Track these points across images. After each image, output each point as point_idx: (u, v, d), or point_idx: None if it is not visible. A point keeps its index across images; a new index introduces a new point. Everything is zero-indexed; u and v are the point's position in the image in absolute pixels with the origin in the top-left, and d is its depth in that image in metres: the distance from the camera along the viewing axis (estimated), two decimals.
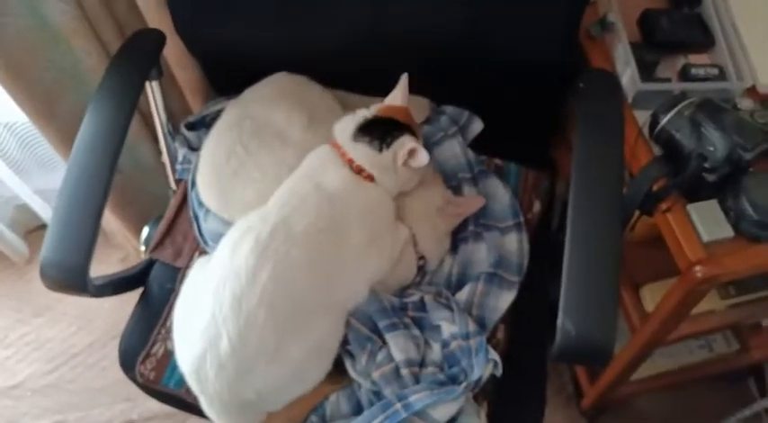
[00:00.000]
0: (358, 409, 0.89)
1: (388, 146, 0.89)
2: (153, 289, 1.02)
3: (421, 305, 0.93)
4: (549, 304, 0.80)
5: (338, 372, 0.90)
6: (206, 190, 1.01)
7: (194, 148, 1.09)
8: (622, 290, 1.09)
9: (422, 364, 0.90)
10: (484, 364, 0.86)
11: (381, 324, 0.89)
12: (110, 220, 1.41)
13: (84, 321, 1.56)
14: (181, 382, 0.90)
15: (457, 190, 1.02)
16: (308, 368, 0.86)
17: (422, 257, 0.96)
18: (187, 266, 1.00)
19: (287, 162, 0.96)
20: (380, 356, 0.89)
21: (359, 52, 1.03)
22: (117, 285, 0.99)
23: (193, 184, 1.04)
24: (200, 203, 1.02)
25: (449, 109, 1.10)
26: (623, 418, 1.39)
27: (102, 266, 1.59)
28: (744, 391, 1.41)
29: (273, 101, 1.02)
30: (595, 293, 0.77)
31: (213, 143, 1.01)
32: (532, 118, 1.09)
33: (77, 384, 1.49)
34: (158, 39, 0.98)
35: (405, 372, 0.87)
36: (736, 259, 0.86)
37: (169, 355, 0.95)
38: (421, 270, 0.97)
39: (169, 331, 0.94)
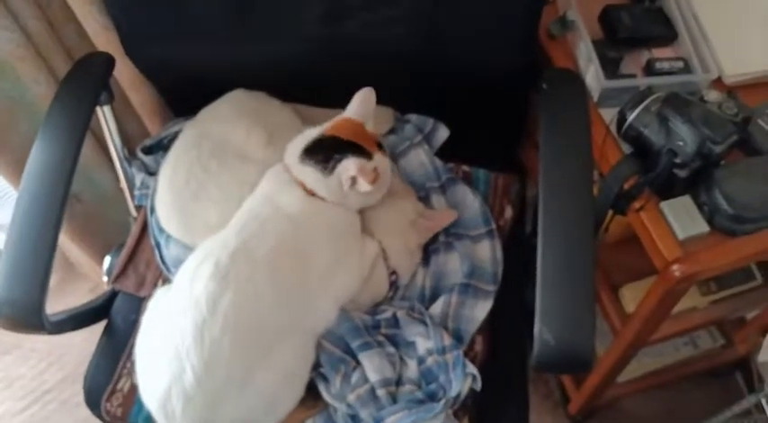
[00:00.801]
0: None
1: (331, 171, 0.85)
2: (117, 321, 0.98)
3: (394, 321, 0.90)
4: (526, 311, 0.78)
5: (312, 396, 0.86)
6: (166, 215, 0.97)
7: (152, 173, 1.05)
8: (601, 292, 1.07)
9: (398, 382, 0.87)
10: (462, 379, 0.84)
11: (354, 344, 0.86)
12: (75, 251, 1.37)
13: (54, 357, 1.51)
14: (149, 417, 0.86)
15: (425, 200, 0.99)
16: (279, 396, 0.83)
17: (393, 272, 0.93)
18: (151, 296, 0.96)
19: (248, 181, 0.93)
20: (355, 378, 0.85)
21: (317, 65, 1.01)
22: (77, 320, 0.96)
23: (153, 209, 1.00)
24: (161, 229, 0.99)
25: (413, 117, 1.07)
26: (612, 421, 1.36)
27: (69, 299, 1.56)
28: (732, 386, 1.39)
29: (231, 119, 0.99)
30: (571, 299, 0.74)
31: (171, 166, 0.98)
32: (499, 122, 1.07)
33: (51, 422, 1.44)
34: (107, 62, 0.95)
35: (381, 392, 0.84)
36: (713, 255, 0.84)
37: (136, 389, 0.90)
38: (393, 285, 0.94)
39: (135, 365, 0.90)
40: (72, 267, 1.56)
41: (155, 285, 0.99)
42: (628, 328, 0.98)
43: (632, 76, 0.97)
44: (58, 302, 1.54)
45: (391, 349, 0.88)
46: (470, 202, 0.99)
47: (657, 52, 0.99)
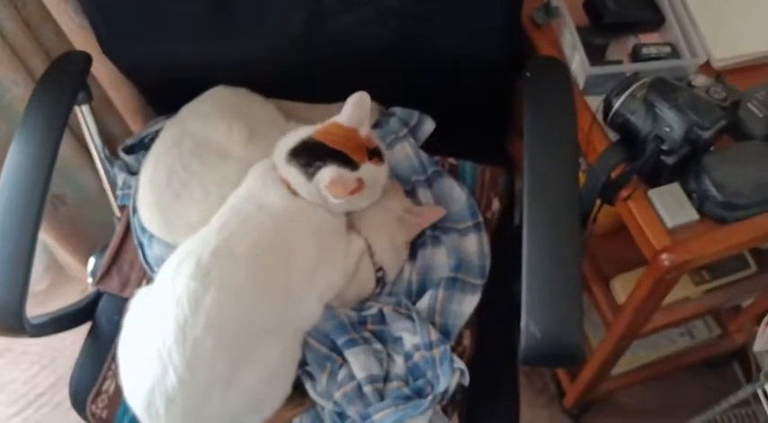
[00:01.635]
0: None
1: (311, 177, 0.83)
2: (101, 322, 0.97)
3: (380, 317, 0.89)
4: (515, 304, 0.76)
5: (299, 394, 0.85)
6: (148, 214, 0.96)
7: (134, 172, 1.04)
8: (592, 283, 1.05)
9: (386, 378, 0.85)
10: (450, 375, 0.82)
11: (340, 341, 0.85)
12: (62, 253, 1.36)
13: (46, 360, 1.50)
14: (134, 419, 0.85)
15: (411, 193, 0.98)
16: (265, 394, 0.82)
17: (380, 269, 0.92)
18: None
19: (229, 179, 0.91)
20: (341, 375, 0.84)
21: (299, 61, 0.99)
22: (60, 322, 0.94)
23: (135, 209, 0.99)
24: (144, 229, 0.98)
25: (398, 111, 1.05)
26: (608, 414, 1.35)
27: (59, 302, 1.54)
28: (729, 376, 1.38)
29: (212, 116, 0.98)
30: (557, 292, 0.73)
31: (152, 165, 0.96)
32: (484, 113, 1.06)
33: None
34: (84, 61, 0.93)
35: (368, 389, 0.83)
36: (703, 243, 0.83)
37: (121, 391, 0.89)
38: (380, 281, 0.93)
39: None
40: (63, 270, 1.55)
41: (139, 286, 0.98)
42: (619, 319, 0.96)
43: (618, 62, 0.95)
44: (51, 305, 1.53)
45: (378, 346, 0.87)
46: (457, 195, 0.98)
47: (644, 38, 0.97)
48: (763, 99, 0.88)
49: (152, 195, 0.95)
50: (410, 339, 0.86)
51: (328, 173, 0.82)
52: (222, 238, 0.81)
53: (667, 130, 0.83)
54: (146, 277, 0.98)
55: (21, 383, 1.48)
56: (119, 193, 1.05)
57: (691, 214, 0.83)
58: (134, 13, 0.92)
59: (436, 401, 0.81)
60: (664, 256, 0.81)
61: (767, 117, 0.87)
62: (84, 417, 0.92)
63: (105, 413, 0.90)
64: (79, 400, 0.92)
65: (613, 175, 0.87)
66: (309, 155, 0.84)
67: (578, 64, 0.92)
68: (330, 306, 0.87)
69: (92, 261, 1.05)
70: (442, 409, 0.83)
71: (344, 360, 0.85)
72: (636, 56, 0.95)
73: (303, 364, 0.85)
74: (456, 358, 0.84)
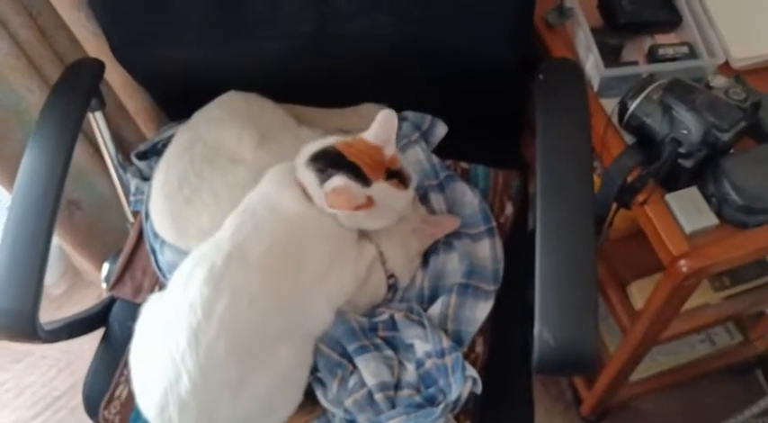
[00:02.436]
0: None
1: (322, 183, 0.82)
2: (114, 328, 0.98)
3: (392, 324, 0.88)
4: (529, 310, 0.75)
5: (310, 401, 0.85)
6: (160, 220, 0.96)
7: (147, 178, 1.04)
8: (608, 289, 1.03)
9: (397, 386, 0.84)
10: (462, 383, 0.81)
11: (350, 347, 0.84)
12: (78, 258, 1.37)
13: (64, 363, 1.51)
14: None
15: (423, 199, 0.97)
16: (276, 400, 0.81)
17: (392, 276, 0.91)
18: None
19: (240, 184, 0.91)
20: (352, 382, 0.83)
21: (310, 65, 0.99)
22: (74, 328, 0.95)
23: (147, 215, 0.99)
24: (156, 235, 0.98)
25: (410, 114, 1.04)
26: (626, 422, 1.32)
27: (77, 306, 1.56)
28: (752, 384, 1.34)
29: (223, 122, 0.98)
30: (572, 298, 0.72)
31: (164, 171, 0.96)
32: (497, 115, 1.04)
33: None
34: (96, 68, 0.94)
35: (379, 396, 0.82)
36: (722, 249, 0.80)
37: (133, 397, 0.90)
38: (392, 288, 0.92)
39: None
40: (80, 275, 1.57)
41: (152, 292, 0.98)
42: (636, 326, 0.94)
43: (634, 63, 0.93)
44: (67, 310, 1.56)
45: (389, 352, 0.86)
46: (470, 199, 0.96)
47: (660, 38, 0.95)
48: None
49: (164, 201, 0.95)
50: (422, 346, 0.85)
51: (335, 181, 0.81)
52: (235, 244, 0.81)
53: (685, 132, 0.81)
54: (158, 283, 0.98)
55: (39, 387, 1.50)
56: (132, 198, 1.06)
57: (709, 219, 0.81)
58: (146, 20, 0.93)
59: (448, 410, 0.80)
60: (682, 262, 0.79)
61: None
62: (96, 422, 0.92)
63: (118, 419, 0.90)
64: (92, 405, 0.92)
65: (629, 178, 0.85)
66: (326, 161, 0.83)
67: (592, 65, 0.91)
68: (341, 312, 0.87)
69: (106, 266, 1.06)
70: (454, 418, 0.82)
71: (355, 367, 0.84)
72: (652, 57, 0.92)
73: (314, 370, 0.84)
74: (468, 366, 0.83)
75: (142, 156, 1.07)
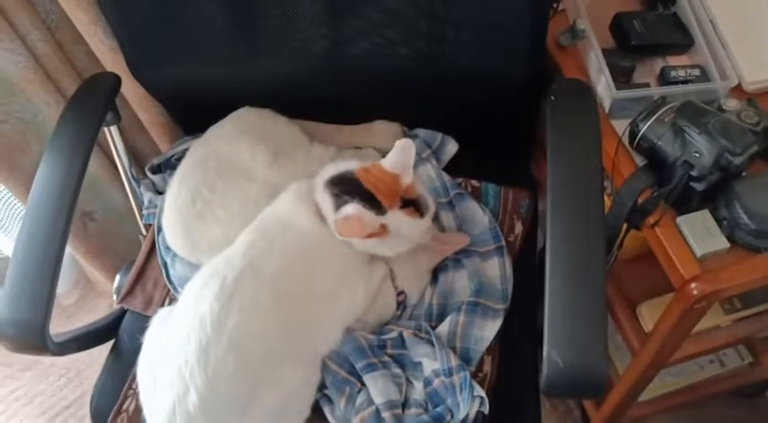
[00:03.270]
0: None
1: (336, 209, 0.83)
2: (124, 341, 0.98)
3: (400, 341, 0.88)
4: (538, 330, 0.75)
5: (318, 418, 0.85)
6: (172, 233, 0.97)
7: (161, 192, 1.05)
8: (618, 309, 1.03)
9: (405, 404, 0.84)
10: (469, 402, 0.81)
11: (359, 365, 0.85)
12: (91, 269, 1.38)
13: (73, 373, 1.52)
14: None
15: (433, 216, 0.97)
16: (284, 417, 0.81)
17: (401, 293, 0.91)
18: None
19: (252, 199, 0.92)
20: (360, 400, 0.84)
21: (324, 82, 1.00)
22: (83, 340, 0.95)
23: (160, 228, 1.00)
24: (168, 248, 0.99)
25: (421, 132, 1.05)
26: None
27: (90, 316, 1.57)
28: (761, 407, 1.33)
29: (237, 137, 0.99)
30: (581, 321, 0.71)
31: (177, 185, 0.97)
32: (508, 135, 1.05)
33: None
34: (112, 83, 0.95)
35: (386, 415, 0.82)
36: (734, 273, 0.80)
37: (141, 411, 0.90)
38: (400, 305, 0.92)
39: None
40: (92, 284, 1.58)
41: (162, 305, 0.99)
42: (646, 348, 0.94)
43: (646, 85, 0.93)
44: (79, 320, 1.57)
45: (397, 370, 0.86)
46: (479, 217, 0.97)
47: (672, 60, 0.95)
48: None
49: (176, 215, 0.96)
50: (430, 365, 0.85)
51: (348, 209, 0.82)
52: (247, 261, 0.81)
53: (697, 155, 0.81)
54: (169, 296, 0.99)
55: (48, 396, 1.50)
56: (144, 211, 1.07)
57: (721, 242, 0.81)
58: (162, 36, 0.94)
59: None
60: (693, 285, 0.79)
61: None
62: None
63: None
64: (99, 419, 0.93)
65: (640, 200, 0.85)
66: (343, 187, 0.84)
67: (604, 87, 0.91)
68: (350, 329, 0.87)
69: (117, 278, 1.06)
70: None
71: (363, 384, 0.84)
72: (664, 79, 0.93)
73: (322, 387, 0.84)
74: (476, 385, 0.83)
75: (156, 169, 1.09)
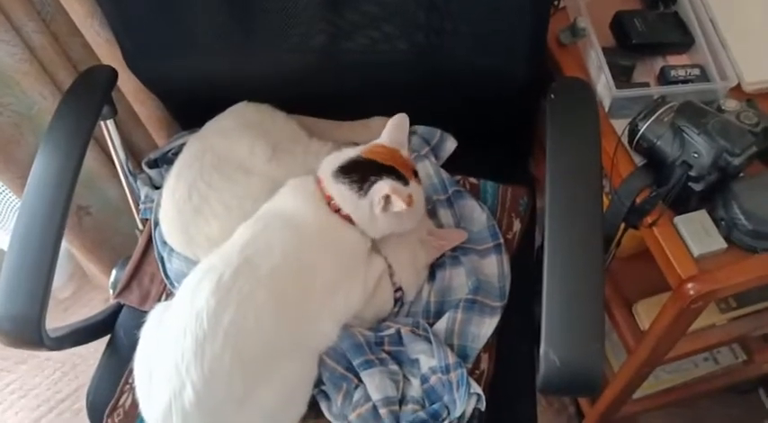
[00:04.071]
0: None
1: (366, 193, 0.83)
2: (120, 336, 0.98)
3: (398, 338, 0.88)
4: (535, 328, 0.75)
5: (314, 414, 0.85)
6: (168, 228, 0.97)
7: (157, 186, 1.05)
8: (614, 307, 1.03)
9: (402, 401, 0.84)
10: (466, 399, 0.81)
11: (356, 361, 0.84)
12: (87, 263, 1.37)
13: (69, 366, 1.52)
14: None
15: (431, 213, 0.97)
16: (280, 413, 0.82)
17: (399, 289, 0.91)
18: None
19: (250, 195, 0.92)
20: (357, 396, 0.84)
21: (322, 77, 0.99)
22: (79, 335, 0.95)
23: (156, 223, 1.00)
24: (164, 243, 0.98)
25: (420, 129, 1.05)
26: None
27: (85, 310, 1.57)
28: (755, 403, 1.34)
29: (235, 132, 0.98)
30: (578, 320, 0.71)
31: (174, 180, 0.97)
32: (507, 132, 1.04)
33: None
34: (109, 76, 0.94)
35: (383, 411, 0.82)
36: (730, 273, 0.80)
37: (137, 406, 0.89)
38: (398, 301, 0.92)
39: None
40: (88, 278, 1.57)
41: (159, 299, 0.98)
42: (641, 346, 0.94)
43: (645, 84, 0.93)
44: (75, 313, 1.56)
45: (394, 367, 0.86)
46: (477, 215, 0.97)
47: (672, 59, 0.95)
48: None
49: (173, 209, 0.96)
50: (427, 362, 0.85)
51: (386, 184, 0.83)
52: (245, 257, 0.81)
53: (695, 155, 0.81)
54: (166, 291, 0.99)
55: (43, 389, 1.50)
56: (141, 206, 1.06)
57: (718, 243, 0.81)
58: (158, 31, 0.93)
59: None
60: (689, 285, 0.79)
61: None
62: None
63: None
64: (96, 413, 0.92)
65: (638, 200, 0.85)
66: (363, 171, 0.84)
67: (604, 86, 0.91)
68: (347, 325, 0.87)
69: (113, 273, 1.06)
70: None
71: (360, 381, 0.84)
72: (664, 78, 0.93)
73: (319, 383, 0.84)
74: (473, 383, 0.83)
75: (153, 164, 1.08)
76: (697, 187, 0.81)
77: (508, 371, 0.90)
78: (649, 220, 0.84)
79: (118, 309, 1.00)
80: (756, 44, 0.94)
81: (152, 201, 1.03)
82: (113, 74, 0.95)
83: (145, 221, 1.07)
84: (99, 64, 1.02)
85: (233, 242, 0.85)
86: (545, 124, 0.84)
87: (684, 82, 0.92)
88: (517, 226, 0.99)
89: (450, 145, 1.04)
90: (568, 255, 0.75)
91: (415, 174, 0.88)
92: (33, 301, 0.80)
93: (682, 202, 0.83)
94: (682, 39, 0.95)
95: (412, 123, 1.06)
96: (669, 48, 0.96)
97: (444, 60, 0.93)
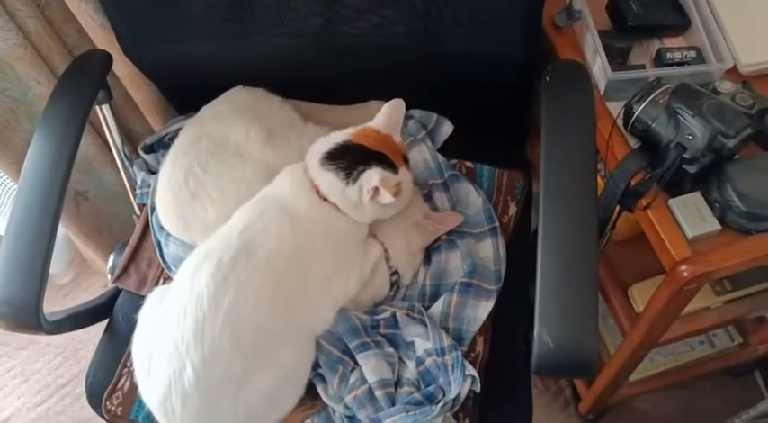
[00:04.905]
0: None
1: (354, 180, 0.82)
2: (118, 320, 0.98)
3: (393, 321, 0.89)
4: (530, 310, 0.75)
5: (311, 396, 0.86)
6: (165, 213, 0.97)
7: (154, 171, 1.05)
8: (609, 291, 1.04)
9: (397, 383, 0.85)
10: (461, 381, 0.82)
11: (352, 344, 0.85)
12: (85, 249, 1.38)
13: (69, 351, 1.53)
14: (149, 415, 0.87)
15: (428, 197, 0.97)
16: (278, 395, 0.82)
17: (395, 272, 0.92)
18: None
19: (246, 180, 0.92)
20: (353, 378, 0.84)
21: (318, 62, 0.99)
22: (78, 319, 0.96)
23: (153, 208, 1.00)
24: (161, 228, 0.99)
25: (416, 113, 1.05)
26: (625, 420, 1.33)
27: (85, 295, 1.58)
28: (750, 386, 1.35)
29: (231, 117, 0.98)
30: (572, 301, 0.72)
31: (170, 165, 0.97)
32: (503, 116, 1.04)
33: (66, 416, 1.46)
34: (103, 61, 0.94)
35: (379, 393, 0.83)
36: (724, 255, 0.81)
37: (136, 388, 0.91)
38: (394, 285, 0.92)
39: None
40: (87, 263, 1.58)
41: (156, 284, 0.99)
42: (636, 329, 0.95)
43: (641, 67, 0.93)
44: (75, 299, 1.57)
45: (390, 350, 0.87)
46: (473, 199, 0.97)
47: (668, 42, 0.95)
48: None
49: (169, 194, 0.96)
50: (422, 344, 0.86)
51: (376, 173, 0.82)
52: (243, 241, 0.81)
53: (690, 137, 0.81)
54: (163, 276, 0.99)
55: (44, 374, 1.51)
56: (138, 191, 1.07)
57: (712, 225, 0.81)
58: (153, 13, 0.92)
59: (447, 408, 0.81)
60: (683, 267, 0.79)
61: None
62: (99, 413, 0.93)
63: (120, 410, 0.91)
64: (95, 396, 0.93)
65: (633, 182, 0.85)
66: (351, 158, 0.83)
67: (599, 68, 0.90)
68: (344, 309, 0.87)
69: (111, 258, 1.07)
70: (453, 416, 0.83)
71: (356, 363, 0.85)
72: (659, 60, 0.92)
73: (316, 366, 0.85)
74: (468, 365, 0.83)
75: (149, 149, 1.08)
76: (691, 169, 0.81)
77: (503, 353, 0.91)
78: (644, 202, 0.84)
79: (116, 293, 1.01)
80: (753, 26, 0.93)
81: (149, 186, 1.04)
82: (108, 59, 0.95)
83: (142, 206, 1.07)
84: (94, 49, 1.02)
85: (231, 226, 0.85)
86: (540, 107, 0.84)
87: (680, 64, 0.91)
88: (513, 210, 0.99)
89: (447, 129, 1.04)
90: (563, 237, 0.75)
91: (405, 160, 0.87)
92: (31, 284, 0.80)
93: (676, 185, 0.83)
94: (678, 21, 0.94)
95: (408, 107, 1.06)
96: (665, 30, 0.95)
97: (440, 44, 0.93)
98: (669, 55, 0.92)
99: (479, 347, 0.89)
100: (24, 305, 0.80)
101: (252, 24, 0.93)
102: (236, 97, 1.02)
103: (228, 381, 0.77)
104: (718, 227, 0.81)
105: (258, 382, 0.78)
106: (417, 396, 0.82)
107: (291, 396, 0.83)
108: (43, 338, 1.54)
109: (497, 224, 0.95)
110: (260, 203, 0.87)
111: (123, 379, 0.93)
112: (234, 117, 0.98)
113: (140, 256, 1.02)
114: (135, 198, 1.08)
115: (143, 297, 0.97)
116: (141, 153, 1.07)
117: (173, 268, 0.97)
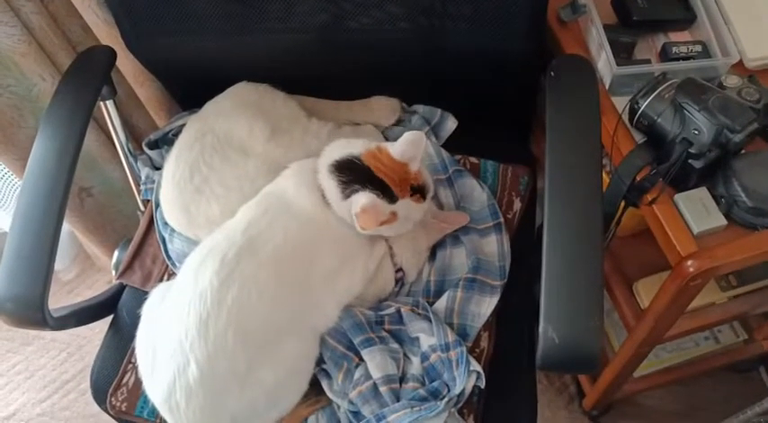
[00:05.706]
0: None
1: (346, 197, 0.83)
2: (123, 316, 0.99)
3: (398, 317, 0.89)
4: (535, 306, 0.75)
5: (316, 392, 0.86)
6: (169, 209, 0.97)
7: (158, 167, 1.05)
8: (614, 286, 1.03)
9: (402, 379, 0.85)
10: (466, 377, 0.82)
11: (356, 340, 0.85)
12: (90, 245, 1.38)
13: (74, 347, 1.53)
14: (154, 411, 0.87)
15: (432, 193, 0.97)
16: (282, 391, 0.83)
17: (400, 270, 0.92)
18: None
19: (250, 175, 0.92)
20: (357, 374, 0.85)
21: (322, 57, 0.99)
22: (82, 315, 0.96)
23: (158, 204, 1.00)
24: (166, 224, 0.99)
25: (421, 108, 1.05)
26: (629, 417, 1.33)
27: (89, 291, 1.59)
28: (755, 382, 1.34)
29: (235, 113, 0.98)
30: (578, 297, 0.72)
31: (174, 161, 0.97)
32: (507, 111, 1.04)
33: (71, 411, 1.46)
34: (108, 56, 0.94)
35: (384, 389, 0.83)
36: (730, 250, 0.80)
37: (140, 384, 0.91)
38: (399, 282, 0.92)
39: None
40: (91, 260, 1.58)
41: (161, 280, 0.99)
42: (641, 324, 0.94)
43: (647, 61, 0.92)
44: (80, 295, 1.58)
45: (395, 345, 0.87)
46: (478, 194, 0.97)
47: (674, 36, 0.94)
48: None
49: (173, 190, 0.96)
50: (427, 340, 0.86)
51: (362, 199, 0.82)
52: (248, 238, 0.82)
53: (696, 132, 0.80)
54: (167, 271, 0.99)
55: (49, 370, 1.52)
56: (142, 187, 1.07)
57: (718, 220, 0.81)
58: (157, 9, 0.92)
59: (452, 404, 0.81)
60: (689, 262, 0.79)
61: None
62: (104, 409, 0.94)
63: (125, 406, 0.92)
64: (100, 392, 0.94)
65: (639, 177, 0.84)
66: (352, 174, 0.83)
67: (604, 63, 0.90)
68: (348, 305, 0.87)
69: (116, 254, 1.07)
70: (457, 412, 0.83)
71: (361, 359, 0.85)
72: (665, 55, 0.92)
73: (320, 362, 0.85)
74: (473, 361, 0.83)
75: (153, 145, 1.08)
76: (697, 164, 0.81)
77: (508, 349, 0.90)
78: (649, 197, 0.83)
79: (120, 289, 1.01)
80: (759, 20, 0.92)
81: (153, 182, 1.04)
82: (112, 54, 0.95)
83: (146, 202, 1.07)
84: (98, 44, 1.02)
85: (236, 222, 0.85)
86: (544, 102, 0.83)
87: (686, 58, 0.91)
88: (517, 205, 0.99)
89: (451, 124, 1.03)
90: (568, 233, 0.75)
91: (418, 190, 0.85)
92: (35, 280, 0.81)
93: (682, 180, 0.83)
94: (684, 15, 0.94)
95: (413, 103, 1.06)
96: (671, 24, 0.94)
97: (445, 39, 0.92)
98: (675, 49, 0.91)
99: (484, 343, 0.89)
100: (29, 301, 0.80)
101: (257, 20, 0.93)
102: (240, 93, 1.01)
103: (232, 377, 0.77)
104: (724, 222, 0.80)
105: (262, 378, 0.79)
106: (422, 392, 0.82)
107: (295, 392, 0.83)
108: (48, 334, 1.55)
109: (502, 220, 0.94)
110: (265, 200, 0.87)
111: (128, 375, 0.93)
112: (238, 113, 0.98)
113: (145, 252, 1.02)
114: (139, 194, 1.08)
115: (147, 293, 0.97)
116: (145, 149, 1.07)
117: (177, 264, 0.97)
